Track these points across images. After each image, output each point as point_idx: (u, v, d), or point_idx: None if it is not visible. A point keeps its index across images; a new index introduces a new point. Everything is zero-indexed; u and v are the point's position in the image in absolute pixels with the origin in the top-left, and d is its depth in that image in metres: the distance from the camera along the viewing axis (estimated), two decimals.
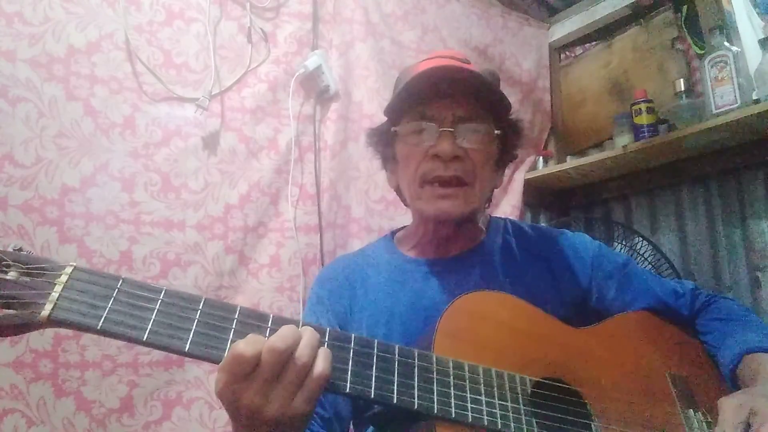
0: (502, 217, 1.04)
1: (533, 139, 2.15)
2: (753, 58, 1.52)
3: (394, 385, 0.61)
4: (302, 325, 0.59)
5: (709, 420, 0.76)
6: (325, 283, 0.96)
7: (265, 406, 0.54)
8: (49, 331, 1.15)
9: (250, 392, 0.53)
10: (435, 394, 0.63)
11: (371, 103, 1.62)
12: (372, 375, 0.61)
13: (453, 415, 0.62)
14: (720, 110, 1.51)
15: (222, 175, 1.42)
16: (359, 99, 1.64)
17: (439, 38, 1.86)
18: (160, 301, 0.56)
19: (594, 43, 2.17)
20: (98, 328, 0.53)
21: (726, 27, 1.59)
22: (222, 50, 1.47)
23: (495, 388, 0.67)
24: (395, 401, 0.61)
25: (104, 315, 0.54)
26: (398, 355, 0.64)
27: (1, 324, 0.51)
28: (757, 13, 1.56)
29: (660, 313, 0.90)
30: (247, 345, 0.53)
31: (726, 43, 1.54)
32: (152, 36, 1.37)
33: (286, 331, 0.55)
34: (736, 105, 1.48)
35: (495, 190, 0.96)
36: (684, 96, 1.67)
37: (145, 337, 0.54)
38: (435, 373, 0.64)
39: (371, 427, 0.81)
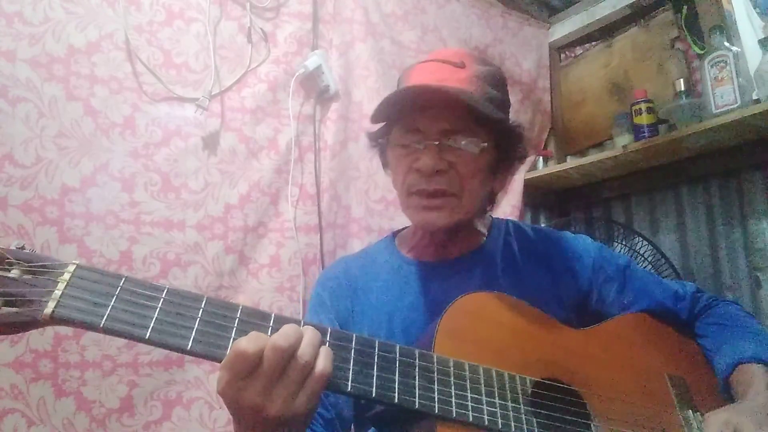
0: (504, 218, 1.03)
1: (533, 139, 2.15)
2: (753, 58, 1.52)
3: (395, 385, 0.61)
4: (304, 325, 0.59)
5: None
6: (326, 285, 0.95)
7: (267, 404, 0.54)
8: (50, 331, 1.15)
9: (253, 391, 0.53)
10: (436, 393, 0.63)
11: (371, 103, 1.62)
12: (373, 374, 0.61)
13: (454, 415, 0.62)
14: (720, 110, 1.51)
15: (222, 175, 1.42)
16: (359, 99, 1.64)
17: (439, 38, 1.86)
18: (162, 299, 0.57)
19: (594, 43, 2.17)
20: (101, 326, 0.53)
21: (726, 27, 1.59)
22: (222, 50, 1.47)
23: (495, 389, 0.67)
24: (396, 401, 0.61)
25: (107, 313, 0.54)
26: (399, 355, 0.64)
27: (3, 322, 0.51)
28: (757, 13, 1.56)
29: (659, 316, 0.90)
30: (250, 342, 0.53)
31: (726, 43, 1.54)
32: (152, 36, 1.37)
33: (288, 329, 0.55)
34: (736, 105, 1.48)
35: (500, 191, 0.95)
36: (684, 96, 1.67)
37: (147, 336, 0.54)
38: (436, 373, 0.64)
39: (372, 427, 0.81)
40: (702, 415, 0.77)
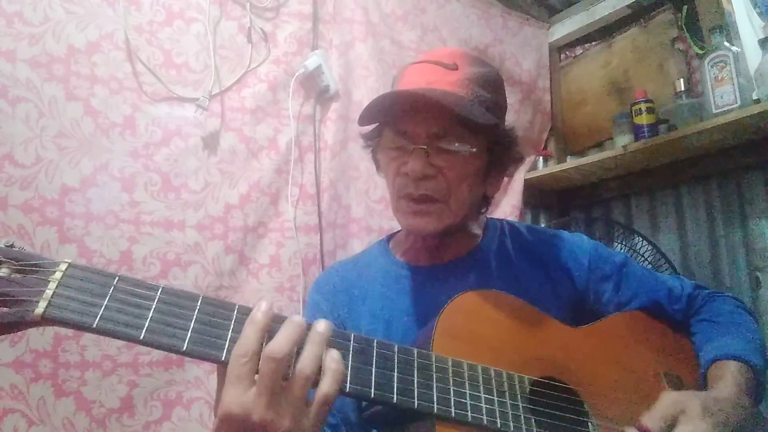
0: (500, 218, 1.02)
1: (533, 139, 2.15)
2: (753, 58, 1.52)
3: (393, 384, 0.61)
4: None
5: None
6: (321, 290, 0.95)
7: (277, 420, 0.52)
8: (49, 331, 1.15)
9: (261, 407, 0.51)
10: (435, 393, 0.63)
11: None
12: (372, 374, 0.61)
13: (453, 415, 0.62)
14: (720, 110, 1.51)
15: (222, 175, 1.42)
16: (359, 99, 1.64)
17: (439, 38, 1.86)
18: (157, 299, 0.55)
19: (594, 43, 2.17)
20: (94, 326, 0.52)
21: (726, 27, 1.59)
22: (222, 50, 1.47)
23: (494, 388, 0.67)
24: (395, 400, 0.61)
25: (100, 313, 0.53)
26: (398, 354, 0.63)
27: None
28: (757, 13, 1.56)
29: (656, 314, 0.90)
30: (278, 344, 0.52)
31: (726, 43, 1.54)
32: (152, 36, 1.37)
33: (281, 338, 0.54)
34: (736, 105, 1.48)
35: (494, 194, 0.94)
36: (684, 96, 1.67)
37: (142, 336, 0.53)
38: (434, 372, 0.64)
39: (370, 427, 0.80)
40: None
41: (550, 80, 2.20)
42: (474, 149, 0.80)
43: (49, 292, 0.52)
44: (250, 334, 0.54)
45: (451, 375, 0.65)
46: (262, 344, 0.54)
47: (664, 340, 0.88)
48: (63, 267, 0.54)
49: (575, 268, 0.91)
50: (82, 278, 0.54)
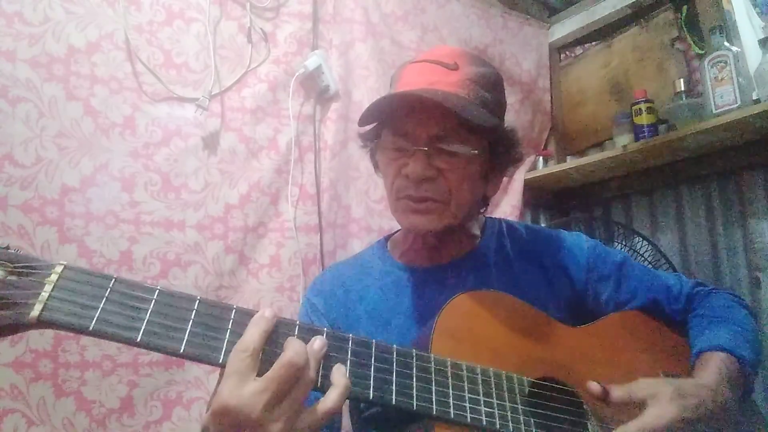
0: (498, 218, 1.02)
1: (533, 139, 2.15)
2: (753, 58, 1.52)
3: (392, 386, 0.61)
4: (299, 329, 0.59)
5: None
6: (318, 292, 0.94)
7: (270, 421, 0.52)
8: (49, 331, 1.15)
9: (260, 404, 0.52)
10: (433, 394, 0.63)
11: None
12: (370, 376, 0.61)
13: (452, 416, 0.62)
14: (720, 110, 1.51)
15: (222, 175, 1.42)
16: (359, 99, 1.64)
17: (439, 38, 1.86)
18: (153, 301, 0.55)
19: (594, 43, 2.17)
20: (90, 329, 0.52)
21: (726, 27, 1.59)
22: (222, 50, 1.47)
23: (493, 389, 0.67)
24: (394, 402, 0.61)
25: (96, 315, 0.52)
26: (396, 356, 0.63)
27: None
28: (757, 13, 1.56)
29: (655, 312, 0.90)
30: (298, 353, 0.54)
31: (726, 43, 1.54)
32: (152, 36, 1.37)
33: (300, 347, 0.55)
34: (736, 105, 1.48)
35: (493, 195, 0.93)
36: (684, 96, 1.67)
37: (138, 338, 0.53)
38: (433, 374, 0.64)
39: (369, 428, 0.80)
40: None
41: (550, 80, 2.20)
42: (475, 150, 0.80)
43: (44, 295, 0.51)
44: (254, 332, 0.55)
45: (450, 376, 0.65)
46: (264, 343, 0.55)
47: (663, 340, 0.88)
48: (59, 269, 0.53)
49: (574, 268, 0.91)
50: (78, 280, 0.53)
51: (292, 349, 0.54)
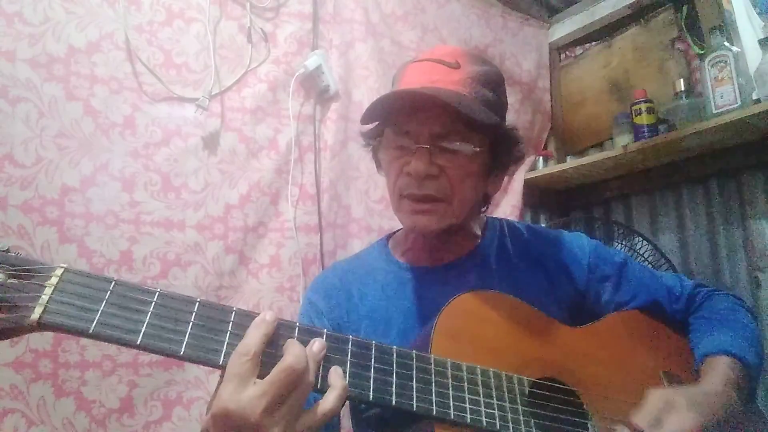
0: (499, 218, 1.02)
1: (533, 139, 2.15)
2: (753, 58, 1.52)
3: (392, 387, 0.61)
4: (299, 330, 0.59)
5: None
6: (319, 291, 0.94)
7: (271, 425, 0.53)
8: (49, 332, 1.15)
9: (258, 407, 0.52)
10: (433, 395, 0.63)
11: None
12: (370, 377, 0.61)
13: (452, 417, 0.62)
14: (720, 110, 1.51)
15: (222, 175, 1.42)
16: (359, 99, 1.64)
17: (439, 38, 1.86)
18: (153, 303, 0.55)
19: (594, 43, 2.17)
20: (90, 331, 0.52)
21: (726, 27, 1.59)
22: (222, 50, 1.47)
23: (493, 389, 0.67)
24: (394, 403, 0.61)
25: (96, 318, 0.52)
26: (396, 357, 0.63)
27: None
28: (757, 13, 1.56)
29: (655, 313, 0.90)
30: (297, 358, 0.54)
31: (726, 43, 1.54)
32: (152, 36, 1.37)
33: (300, 351, 0.55)
34: (736, 105, 1.48)
35: (494, 194, 0.94)
36: (684, 96, 1.67)
37: (138, 341, 0.53)
38: (433, 375, 0.64)
39: (369, 429, 0.80)
40: None
41: (550, 80, 2.20)
42: (477, 148, 0.80)
43: (44, 298, 0.51)
44: (254, 335, 0.55)
45: (450, 377, 0.65)
46: (264, 347, 0.55)
47: (664, 340, 0.88)
48: (59, 272, 0.53)
49: (575, 268, 0.91)
50: (78, 283, 0.54)
51: (292, 353, 0.55)
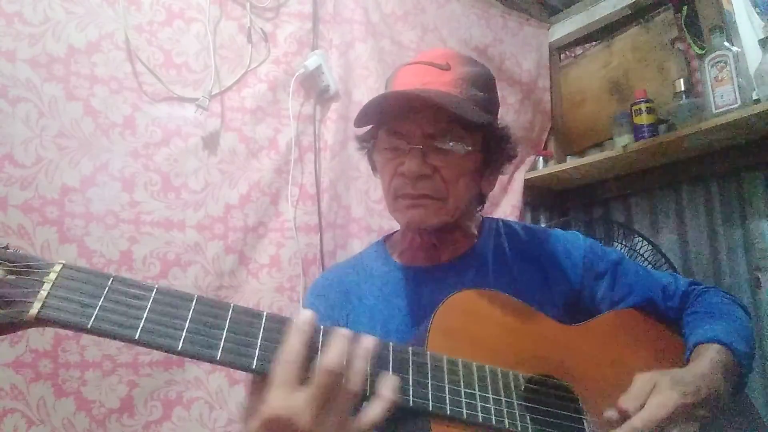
0: (495, 217, 1.03)
1: (533, 139, 2.15)
2: (753, 58, 1.52)
3: (389, 373, 0.61)
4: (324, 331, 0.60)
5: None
6: (319, 293, 0.95)
7: (320, 430, 0.54)
8: (49, 331, 1.15)
9: (309, 415, 0.53)
10: (430, 391, 0.63)
11: None
12: (367, 372, 0.61)
13: (448, 412, 0.63)
14: (720, 110, 1.51)
15: (222, 175, 1.42)
16: (359, 99, 1.64)
17: (439, 38, 1.86)
18: (151, 299, 0.55)
19: (594, 43, 2.17)
20: (89, 327, 0.52)
21: (726, 27, 1.59)
22: (222, 50, 1.47)
23: (489, 385, 0.67)
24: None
25: (95, 313, 0.53)
26: (392, 353, 0.64)
27: None
28: (757, 13, 1.57)
29: (649, 311, 0.90)
30: (335, 358, 0.54)
31: (726, 43, 1.54)
32: (152, 36, 1.37)
33: (338, 349, 0.56)
34: (736, 105, 1.48)
35: (490, 192, 0.94)
36: (684, 96, 1.67)
37: (137, 336, 0.53)
38: (429, 371, 0.64)
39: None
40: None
41: (550, 80, 2.20)
42: (469, 147, 0.81)
43: (43, 293, 0.52)
44: (296, 341, 0.56)
45: (446, 373, 0.65)
46: (307, 351, 0.56)
47: (658, 338, 0.88)
48: (57, 268, 0.54)
49: (570, 267, 0.91)
50: (77, 279, 0.54)
51: (329, 355, 0.55)
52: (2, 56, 1.18)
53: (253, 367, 0.56)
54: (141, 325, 0.54)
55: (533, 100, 2.13)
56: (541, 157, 2.09)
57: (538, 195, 2.13)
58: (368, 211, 1.61)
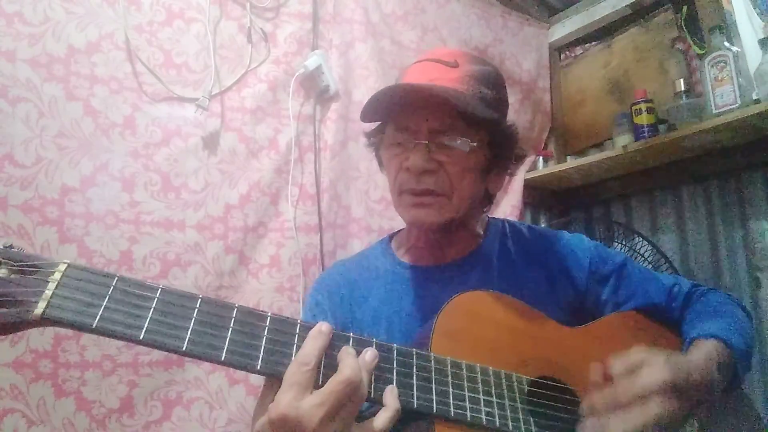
0: (501, 218, 1.03)
1: (533, 139, 2.15)
2: (753, 58, 1.52)
3: (392, 385, 0.61)
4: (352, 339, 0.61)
5: (701, 417, 0.76)
6: (323, 290, 0.95)
7: None
8: (50, 331, 1.15)
9: (317, 419, 0.54)
10: (434, 393, 0.63)
11: None
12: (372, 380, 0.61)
13: (452, 415, 0.63)
14: (720, 110, 1.51)
15: (222, 175, 1.42)
16: (359, 99, 1.64)
17: (439, 38, 1.86)
18: (156, 299, 0.55)
19: (594, 43, 2.17)
20: (93, 326, 0.52)
21: (726, 27, 1.59)
22: (222, 50, 1.47)
23: (492, 387, 0.67)
24: None
25: (99, 313, 0.53)
26: (396, 355, 0.64)
27: None
28: (757, 13, 1.56)
29: (653, 314, 0.90)
30: (354, 370, 0.56)
31: (726, 43, 1.54)
32: (152, 36, 1.37)
33: (353, 362, 0.57)
34: (736, 105, 1.48)
35: (496, 192, 0.94)
36: (684, 96, 1.67)
37: (141, 336, 0.53)
38: (433, 373, 0.64)
39: None
40: (695, 415, 0.77)
41: (550, 80, 2.20)
42: (474, 144, 0.81)
43: (48, 293, 0.52)
44: (313, 346, 0.57)
45: (449, 375, 0.65)
46: (322, 357, 0.58)
47: (661, 340, 0.88)
48: (62, 267, 0.54)
49: (575, 269, 0.91)
50: (82, 279, 0.54)
51: (349, 365, 0.56)
52: (2, 56, 1.18)
53: (257, 368, 0.56)
54: (146, 326, 0.54)
55: (533, 100, 2.13)
56: (541, 157, 2.09)
57: (538, 195, 2.12)
58: (368, 211, 1.61)
